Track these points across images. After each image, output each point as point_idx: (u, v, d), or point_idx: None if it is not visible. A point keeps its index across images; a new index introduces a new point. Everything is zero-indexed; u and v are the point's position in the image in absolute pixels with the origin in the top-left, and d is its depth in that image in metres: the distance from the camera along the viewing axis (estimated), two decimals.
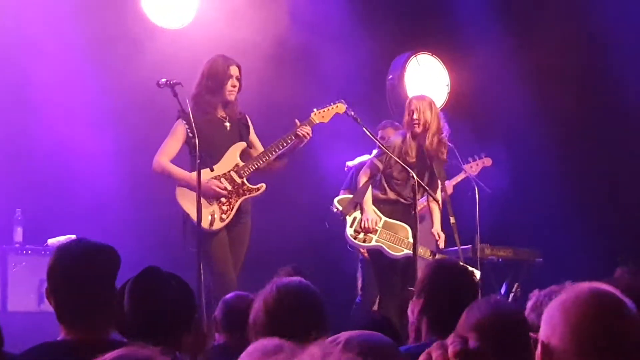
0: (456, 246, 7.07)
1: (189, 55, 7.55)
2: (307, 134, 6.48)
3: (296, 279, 3.21)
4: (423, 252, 6.83)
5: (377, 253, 6.90)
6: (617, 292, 2.03)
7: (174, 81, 5.84)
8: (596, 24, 8.99)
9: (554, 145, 9.18)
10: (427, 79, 9.12)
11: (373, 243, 6.85)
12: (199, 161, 5.81)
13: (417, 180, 6.54)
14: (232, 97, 6.48)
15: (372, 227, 6.80)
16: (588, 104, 9.19)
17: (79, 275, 3.03)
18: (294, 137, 6.47)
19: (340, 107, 6.73)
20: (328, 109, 6.70)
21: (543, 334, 2.02)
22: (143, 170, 7.74)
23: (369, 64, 8.74)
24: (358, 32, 8.51)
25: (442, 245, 7.05)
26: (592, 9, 9.00)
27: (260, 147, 6.63)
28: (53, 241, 6.99)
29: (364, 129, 6.72)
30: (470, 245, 7.89)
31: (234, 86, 6.45)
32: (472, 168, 8.03)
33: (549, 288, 3.29)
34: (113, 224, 7.46)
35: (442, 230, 7.08)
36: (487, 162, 8.18)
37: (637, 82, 8.74)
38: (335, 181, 7.99)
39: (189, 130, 6.12)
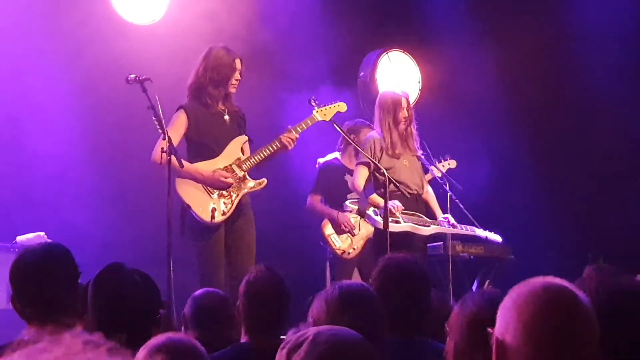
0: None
1: (158, 52, 7.52)
2: (292, 141, 6.39)
3: (358, 282, 3.21)
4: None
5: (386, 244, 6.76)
6: (571, 287, 2.01)
7: (143, 77, 5.78)
8: (566, 18, 9.04)
9: (526, 142, 9.22)
10: (398, 75, 9.12)
11: (403, 224, 6.80)
12: (169, 158, 5.73)
13: (388, 177, 6.54)
14: (234, 90, 6.46)
15: (400, 207, 6.75)
16: (559, 99, 9.23)
17: (42, 276, 3.03)
18: (278, 144, 6.40)
19: (342, 106, 6.78)
20: (330, 107, 6.71)
21: (497, 330, 2.00)
22: (114, 167, 7.71)
23: (340, 61, 8.72)
24: (329, 29, 8.49)
25: (455, 222, 7.12)
26: (561, 3, 9.05)
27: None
28: (22, 239, 6.90)
29: (335, 125, 6.73)
30: (441, 243, 7.90)
31: (237, 80, 6.44)
32: (437, 170, 7.93)
33: None
34: (83, 221, 7.41)
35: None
36: (452, 164, 7.97)
37: (608, 76, 8.78)
38: (304, 178, 7.96)
39: (187, 122, 6.25)
